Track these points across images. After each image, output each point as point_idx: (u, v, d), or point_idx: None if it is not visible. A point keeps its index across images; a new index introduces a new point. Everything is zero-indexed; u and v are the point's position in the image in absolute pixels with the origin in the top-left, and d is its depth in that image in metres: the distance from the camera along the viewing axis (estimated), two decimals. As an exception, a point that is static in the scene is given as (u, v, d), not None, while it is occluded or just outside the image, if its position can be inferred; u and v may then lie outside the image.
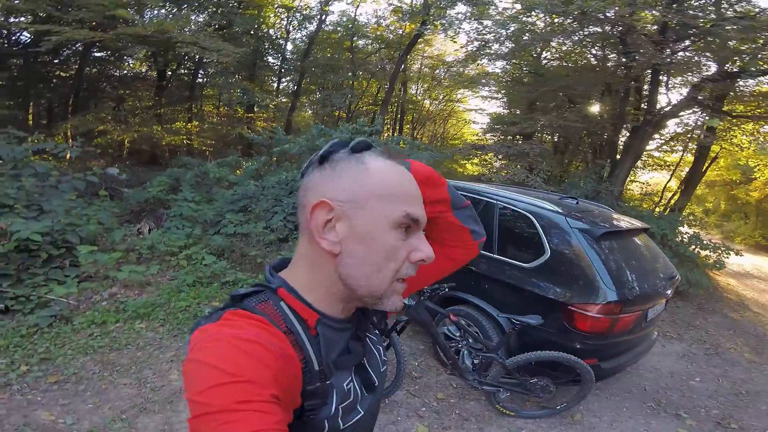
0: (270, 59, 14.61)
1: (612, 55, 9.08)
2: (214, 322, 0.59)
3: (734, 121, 9.53)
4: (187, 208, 5.56)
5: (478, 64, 11.58)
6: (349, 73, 13.54)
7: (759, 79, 7.60)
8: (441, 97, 18.40)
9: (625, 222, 3.40)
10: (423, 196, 0.68)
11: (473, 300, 3.09)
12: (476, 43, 9.64)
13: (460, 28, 9.89)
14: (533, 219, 2.96)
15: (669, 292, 3.04)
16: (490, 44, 9.17)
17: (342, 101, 12.64)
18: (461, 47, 11.23)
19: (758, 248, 15.73)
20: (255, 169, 6.98)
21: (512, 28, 8.29)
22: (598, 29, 7.64)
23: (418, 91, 18.41)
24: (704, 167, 11.02)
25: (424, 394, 3.03)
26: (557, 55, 11.24)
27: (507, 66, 11.31)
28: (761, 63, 6.97)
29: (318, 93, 15.80)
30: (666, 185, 11.77)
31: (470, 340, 3.08)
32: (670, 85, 8.61)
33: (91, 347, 2.90)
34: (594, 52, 9.70)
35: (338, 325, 0.67)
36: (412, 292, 0.89)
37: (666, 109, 7.95)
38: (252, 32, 12.26)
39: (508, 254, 3.05)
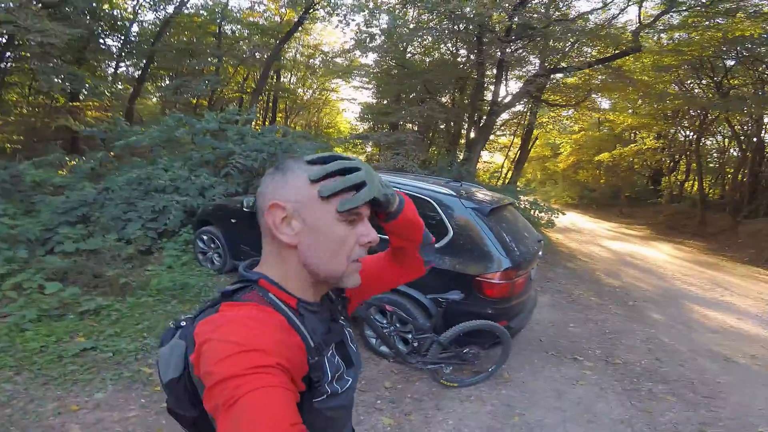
0: (109, 41, 12.31)
1: (462, 51, 10.41)
2: (215, 313, 0.66)
3: (549, 108, 11.99)
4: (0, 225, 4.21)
5: (355, 56, 11.85)
6: (214, 59, 12.31)
7: (568, 74, 9.66)
8: (315, 86, 18.18)
9: (496, 197, 3.84)
10: (400, 232, 0.83)
11: (401, 288, 3.16)
12: (363, 35, 9.76)
13: (351, 19, 9.89)
14: (434, 203, 3.23)
15: (540, 253, 3.68)
16: (371, 36, 9.39)
17: (204, 88, 11.45)
18: (351, 37, 11.27)
19: (567, 206, 19.75)
20: (91, 168, 5.82)
21: (386, 20, 8.68)
22: (457, 27, 8.55)
23: (291, 80, 17.84)
24: (529, 147, 13.61)
25: (373, 387, 3.06)
26: (420, 49, 12.14)
27: (378, 57, 11.79)
28: (568, 60, 8.91)
29: (167, 79, 14.05)
30: (503, 163, 14.15)
31: (397, 326, 3.26)
32: (507, 79, 10.34)
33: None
34: (449, 47, 10.90)
35: (314, 308, 0.76)
36: (367, 298, 1.00)
37: (506, 100, 9.54)
38: (86, 12, 10.11)
39: None
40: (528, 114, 11.65)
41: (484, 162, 14.56)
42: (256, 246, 2.66)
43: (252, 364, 0.54)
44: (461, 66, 10.07)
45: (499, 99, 9.46)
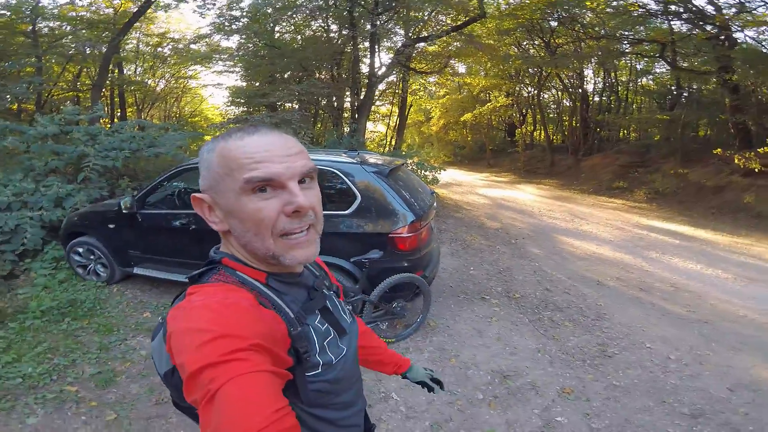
0: None
1: (334, 27, 10.25)
2: (182, 300, 0.64)
3: (417, 76, 12.65)
4: None
5: (212, 40, 10.81)
6: (31, 58, 10.11)
7: (431, 42, 10.24)
8: (168, 75, 16.14)
9: (390, 160, 4.02)
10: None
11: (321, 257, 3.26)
12: (223, 18, 8.89)
13: (212, 3, 8.80)
14: (338, 173, 3.30)
15: (434, 204, 3.97)
16: (234, 18, 8.69)
17: (26, 91, 9.35)
18: (210, 22, 10.11)
19: (444, 164, 21.55)
20: None
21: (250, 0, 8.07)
22: (326, 3, 8.36)
23: (137, 71, 15.47)
24: (406, 113, 14.26)
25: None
26: (290, 28, 11.62)
27: (242, 40, 10.93)
28: (428, 29, 9.42)
29: None
30: (386, 132, 14.61)
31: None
32: (379, 52, 10.55)
33: None
34: (321, 24, 10.65)
35: (288, 279, 0.72)
36: None
37: (381, 71, 9.76)
38: None
39: (328, 208, 3.23)
40: (401, 83, 12.16)
41: (370, 132, 14.91)
42: (148, 248, 2.57)
43: (223, 350, 0.51)
44: (335, 41, 9.96)
45: (375, 70, 9.65)
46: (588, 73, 16.84)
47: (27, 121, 8.03)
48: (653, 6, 11.00)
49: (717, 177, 10.12)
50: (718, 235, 7.38)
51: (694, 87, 13.42)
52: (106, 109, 13.91)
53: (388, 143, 14.34)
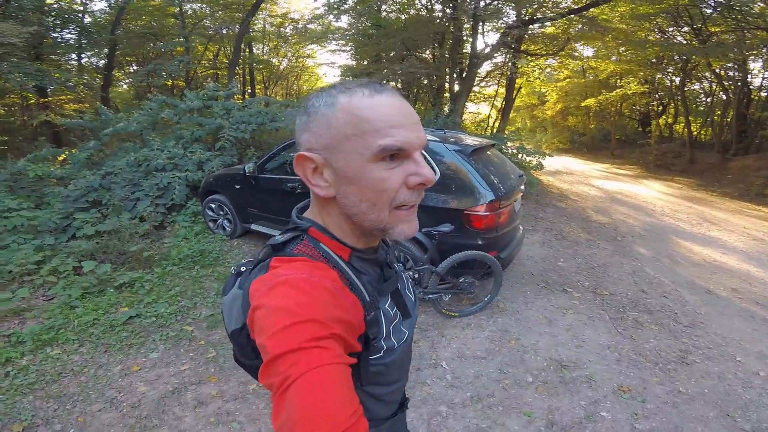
0: (65, 34, 11.88)
1: (437, 6, 10.29)
2: (266, 272, 0.63)
3: (529, 58, 11.97)
4: (18, 217, 4.62)
5: (328, 20, 11.66)
6: (181, 39, 12.08)
7: (546, 23, 9.62)
8: (290, 54, 17.85)
9: (479, 141, 4.12)
10: None
11: None
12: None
13: None
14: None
15: (522, 187, 3.97)
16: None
17: (178, 68, 11.39)
18: (322, 3, 11.03)
19: (559, 151, 20.30)
20: (86, 157, 6.08)
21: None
22: None
23: (264, 51, 17.47)
24: (513, 96, 13.63)
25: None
26: (395, 7, 11.97)
27: (352, 20, 11.59)
28: (545, 10, 8.85)
29: (134, 66, 13.86)
30: (489, 113, 14.19)
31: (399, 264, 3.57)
32: (484, 32, 10.27)
33: (21, 386, 2.51)
34: (423, 3, 10.80)
35: (368, 256, 0.71)
36: None
37: (485, 52, 9.51)
38: (33, 8, 9.81)
39: None
40: (509, 64, 11.65)
41: (471, 113, 14.67)
42: (263, 207, 3.38)
43: (305, 337, 0.50)
44: (438, 21, 9.97)
45: (478, 51, 9.44)
46: (755, 65, 14.07)
47: (178, 96, 9.76)
48: None
49: None
50: None
51: None
52: (239, 86, 15.94)
53: (491, 125, 13.90)
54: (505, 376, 2.75)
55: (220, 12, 13.01)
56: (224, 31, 13.55)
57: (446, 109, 9.67)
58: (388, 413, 0.79)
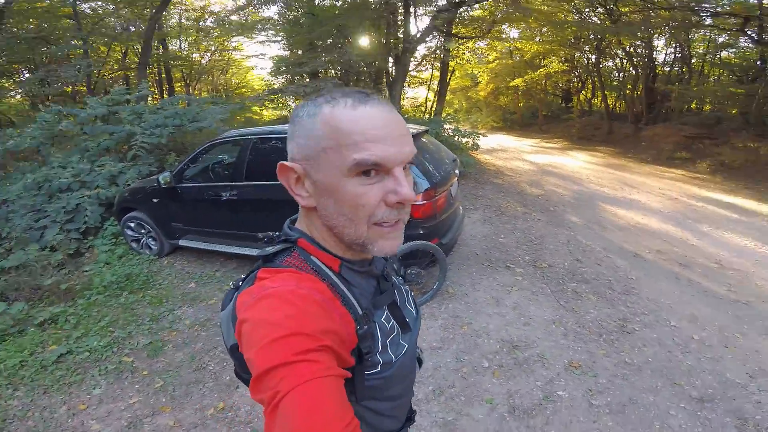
0: None
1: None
2: (252, 284, 0.61)
3: (460, 41, 12.08)
4: None
5: (251, 10, 10.90)
6: (78, 41, 10.72)
7: (474, 6, 9.67)
8: (213, 48, 16.61)
9: (413, 129, 3.97)
10: None
11: None
12: None
13: None
14: None
15: (457, 171, 3.92)
16: None
17: (77, 74, 10.03)
18: None
19: (493, 129, 20.91)
20: None
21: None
22: None
23: (182, 46, 16.11)
24: (448, 79, 13.76)
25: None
26: None
27: (281, 9, 10.92)
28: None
29: (26, 73, 12.18)
30: (426, 97, 14.24)
31: None
32: (417, 16, 10.13)
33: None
34: None
35: (360, 268, 0.67)
36: None
37: (418, 36, 9.41)
38: None
39: None
40: (442, 47, 11.70)
41: (409, 98, 14.65)
42: (188, 220, 2.77)
43: (295, 350, 0.48)
44: (373, 6, 9.69)
45: (411, 36, 9.33)
46: (659, 43, 15.31)
47: (81, 104, 8.63)
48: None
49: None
50: (788, 211, 6.57)
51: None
52: (153, 86, 14.56)
53: (429, 109, 13.98)
54: (462, 364, 2.69)
55: (125, 9, 11.67)
56: (131, 29, 12.27)
57: (385, 95, 9.53)
58: (396, 428, 0.77)
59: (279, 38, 12.92)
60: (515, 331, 3.05)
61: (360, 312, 0.63)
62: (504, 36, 14.32)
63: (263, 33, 12.62)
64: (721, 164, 10.05)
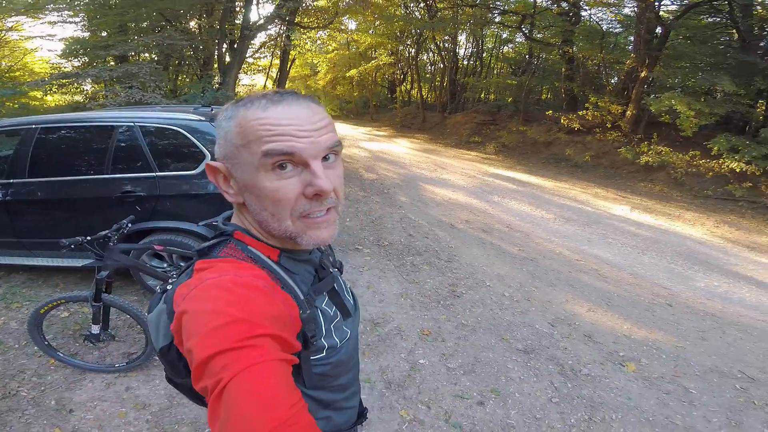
0: None
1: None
2: (189, 278, 0.57)
3: (302, 30, 11.67)
4: None
5: None
6: None
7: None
8: None
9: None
10: None
11: (165, 224, 2.86)
12: None
13: None
14: (184, 132, 2.88)
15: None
16: None
17: None
18: None
19: (332, 118, 21.19)
20: None
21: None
22: None
23: None
24: (288, 67, 13.19)
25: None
26: None
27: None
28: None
29: None
30: (265, 84, 13.39)
31: (181, 264, 2.89)
32: (259, 3, 9.27)
33: None
34: None
35: (300, 257, 0.65)
36: None
37: (259, 23, 8.65)
38: None
39: (171, 168, 2.90)
40: (283, 36, 11.08)
41: (245, 85, 13.49)
42: (13, 232, 2.05)
43: (237, 336, 0.46)
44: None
45: (251, 23, 8.55)
46: (462, 38, 17.47)
47: None
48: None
49: (548, 134, 11.67)
50: (546, 180, 8.52)
51: (542, 57, 14.83)
52: None
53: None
54: (335, 348, 2.67)
55: None
56: None
57: (216, 82, 8.56)
58: (349, 423, 0.76)
59: (78, 19, 10.11)
60: (373, 309, 3.11)
61: (301, 297, 0.61)
62: (344, 27, 14.37)
63: (56, 13, 9.65)
64: (503, 145, 12.41)
